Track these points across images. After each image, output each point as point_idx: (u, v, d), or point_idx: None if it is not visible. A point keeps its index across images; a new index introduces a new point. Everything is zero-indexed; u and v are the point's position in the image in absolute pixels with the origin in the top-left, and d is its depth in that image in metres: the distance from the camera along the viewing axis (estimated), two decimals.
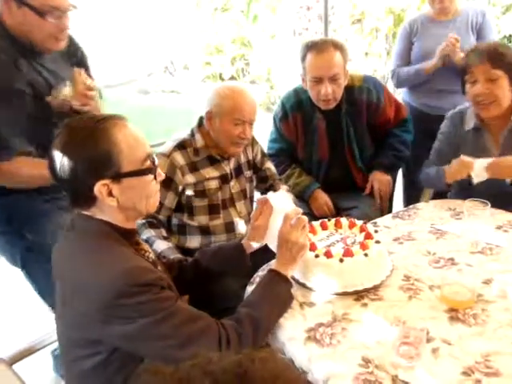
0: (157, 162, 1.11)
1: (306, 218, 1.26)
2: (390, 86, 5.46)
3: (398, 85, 2.61)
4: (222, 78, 7.28)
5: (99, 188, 1.01)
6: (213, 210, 1.77)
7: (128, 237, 1.10)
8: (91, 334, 1.02)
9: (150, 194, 1.10)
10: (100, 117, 1.05)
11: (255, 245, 1.37)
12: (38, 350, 1.80)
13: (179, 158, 1.71)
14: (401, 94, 2.71)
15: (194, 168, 1.74)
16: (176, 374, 0.48)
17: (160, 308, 1.00)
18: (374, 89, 2.08)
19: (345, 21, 5.28)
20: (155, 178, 1.10)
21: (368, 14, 5.13)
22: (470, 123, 1.88)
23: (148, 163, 1.07)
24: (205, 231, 1.77)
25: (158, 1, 7.85)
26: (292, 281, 1.25)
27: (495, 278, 1.29)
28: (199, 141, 1.76)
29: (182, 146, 1.74)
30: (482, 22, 2.37)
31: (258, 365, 0.49)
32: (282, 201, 1.32)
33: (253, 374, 0.48)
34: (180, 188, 1.72)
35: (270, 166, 2.02)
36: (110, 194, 1.03)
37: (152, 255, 1.20)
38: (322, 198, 2.11)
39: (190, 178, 1.72)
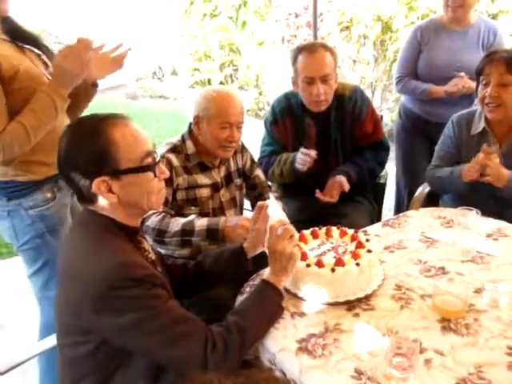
0: (158, 159, 1.12)
1: (293, 228, 1.25)
2: (377, 96, 5.50)
3: (401, 93, 2.65)
4: (210, 84, 7.24)
5: (98, 184, 1.05)
6: None
7: (130, 234, 1.12)
8: (82, 322, 1.05)
9: (150, 191, 1.11)
10: (103, 115, 1.09)
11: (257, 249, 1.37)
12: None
13: (174, 160, 1.71)
14: (401, 98, 2.72)
15: (187, 171, 1.74)
16: None
17: (150, 305, 1.02)
18: (360, 101, 2.10)
19: (333, 28, 5.31)
20: (155, 175, 1.11)
21: (356, 21, 5.16)
22: (478, 126, 1.90)
23: (148, 161, 1.09)
24: None
25: (147, 7, 7.83)
26: (283, 291, 1.24)
27: (486, 287, 1.29)
28: (190, 147, 1.75)
29: (174, 150, 1.74)
30: (493, 42, 2.37)
31: None
32: (274, 209, 1.31)
33: None
34: (173, 187, 1.70)
35: (259, 173, 2.01)
36: (110, 190, 1.06)
37: (152, 255, 1.21)
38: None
39: (183, 181, 1.72)
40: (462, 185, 1.85)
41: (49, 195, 1.59)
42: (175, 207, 1.72)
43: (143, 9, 7.85)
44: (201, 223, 1.59)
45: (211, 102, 1.68)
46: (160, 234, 1.59)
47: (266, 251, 1.30)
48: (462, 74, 2.31)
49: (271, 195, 1.40)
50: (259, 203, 1.38)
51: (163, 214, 1.63)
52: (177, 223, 1.60)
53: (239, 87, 6.91)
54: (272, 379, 0.51)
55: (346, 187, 1.99)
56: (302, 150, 1.97)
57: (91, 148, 1.04)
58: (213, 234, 1.58)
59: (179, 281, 1.31)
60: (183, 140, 1.77)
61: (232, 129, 1.70)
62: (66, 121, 1.55)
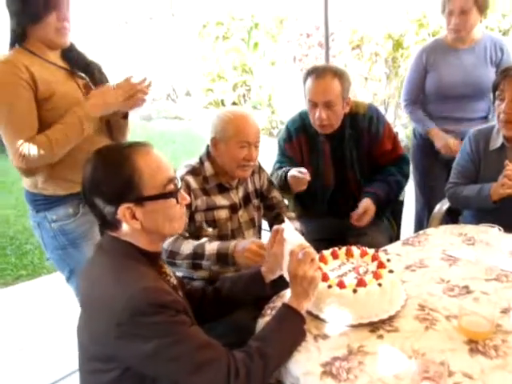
0: (179, 186, 1.14)
1: (314, 251, 1.24)
2: (391, 113, 5.50)
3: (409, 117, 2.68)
4: (223, 104, 7.35)
5: (123, 211, 1.06)
6: (222, 240, 1.74)
7: (151, 259, 1.14)
8: (107, 349, 1.05)
9: (172, 217, 1.13)
10: (126, 144, 1.13)
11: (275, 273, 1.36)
12: None
13: (192, 182, 1.72)
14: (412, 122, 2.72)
15: (205, 193, 1.75)
16: None
17: (173, 331, 1.02)
18: (376, 119, 2.09)
19: (344, 46, 5.36)
20: (177, 201, 1.13)
21: (367, 40, 5.21)
22: (497, 142, 1.89)
23: (170, 187, 1.11)
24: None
25: (161, 29, 8.02)
26: (306, 314, 1.23)
27: None
28: (208, 169, 1.77)
29: (193, 172, 1.76)
30: (501, 57, 2.37)
31: None
32: (289, 232, 1.31)
33: None
34: (191, 209, 1.70)
35: (276, 194, 2.01)
36: (134, 216, 1.07)
37: (174, 280, 1.22)
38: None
39: (201, 203, 1.73)
40: (491, 203, 1.82)
41: (71, 211, 1.66)
42: (193, 228, 1.72)
43: (157, 32, 8.04)
44: (211, 247, 1.59)
45: (228, 123, 1.71)
46: (172, 256, 1.59)
47: (285, 275, 1.30)
48: (454, 142, 2.34)
49: (286, 218, 1.39)
50: (275, 227, 1.37)
51: (175, 236, 1.62)
52: (189, 246, 1.60)
53: (252, 107, 6.98)
54: None
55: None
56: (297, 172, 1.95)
57: (117, 175, 1.07)
58: (223, 258, 1.56)
59: (197, 306, 1.31)
60: (201, 162, 1.79)
61: (250, 148, 1.72)
62: (103, 143, 1.62)
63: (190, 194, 1.69)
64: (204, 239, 1.64)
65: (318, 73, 1.97)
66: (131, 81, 1.65)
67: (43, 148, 1.53)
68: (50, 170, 1.61)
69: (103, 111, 1.63)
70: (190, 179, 1.73)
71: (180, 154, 5.69)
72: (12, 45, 1.60)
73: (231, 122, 1.72)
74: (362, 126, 2.08)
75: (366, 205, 2.02)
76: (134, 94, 1.64)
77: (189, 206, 1.68)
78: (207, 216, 1.74)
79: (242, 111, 1.79)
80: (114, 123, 1.72)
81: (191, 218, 1.72)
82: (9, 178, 5.30)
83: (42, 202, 1.65)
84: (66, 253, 1.69)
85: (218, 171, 1.78)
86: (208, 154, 1.80)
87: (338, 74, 1.96)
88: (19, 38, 1.58)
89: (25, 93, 1.52)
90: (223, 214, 1.77)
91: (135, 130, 7.19)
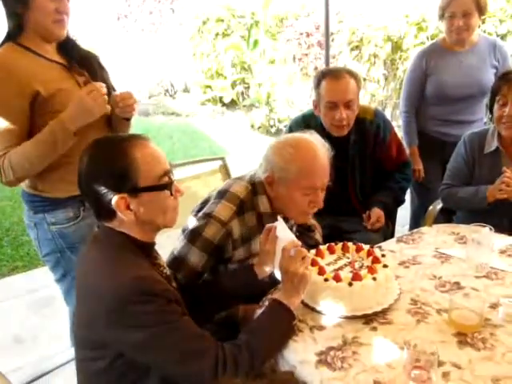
0: (174, 178, 1.16)
1: (305, 250, 1.28)
2: (388, 114, 5.55)
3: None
4: (222, 101, 7.38)
5: (117, 201, 1.08)
6: None
7: (145, 249, 1.16)
8: (98, 336, 1.07)
9: (166, 208, 1.15)
10: (124, 136, 1.14)
11: (267, 270, 1.39)
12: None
13: (236, 229, 1.46)
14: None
15: (246, 239, 1.51)
16: None
17: (164, 320, 1.04)
18: (383, 125, 2.12)
19: (344, 47, 5.41)
20: (171, 193, 1.14)
21: (366, 41, 5.26)
22: (492, 145, 1.94)
23: (165, 179, 1.13)
24: None
25: (161, 25, 8.02)
26: (300, 308, 1.26)
27: (502, 302, 1.31)
28: (265, 205, 1.51)
29: (241, 209, 1.48)
30: (499, 57, 2.41)
31: None
32: (282, 230, 1.34)
33: None
34: (224, 257, 1.51)
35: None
36: (128, 207, 1.09)
37: (167, 271, 1.24)
38: None
39: (238, 254, 1.51)
40: (486, 204, 1.87)
41: (71, 214, 1.61)
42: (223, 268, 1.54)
43: (157, 27, 8.03)
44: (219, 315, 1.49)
45: (290, 163, 1.42)
46: None
47: (276, 272, 1.33)
48: (420, 172, 2.54)
49: (278, 217, 1.40)
50: (267, 225, 1.38)
51: None
52: None
53: (250, 104, 7.01)
54: (293, 381, 0.54)
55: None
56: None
57: (113, 166, 1.08)
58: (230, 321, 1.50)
59: (191, 301, 1.29)
60: (254, 192, 1.50)
61: (316, 193, 1.46)
62: None
63: (227, 241, 1.47)
64: None
65: (334, 74, 1.96)
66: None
67: (4, 171, 1.48)
68: (50, 172, 1.55)
69: (84, 122, 1.49)
70: (235, 225, 1.46)
71: (177, 149, 5.71)
72: (6, 40, 1.51)
73: (294, 160, 1.42)
74: (368, 132, 2.09)
75: (378, 213, 2.08)
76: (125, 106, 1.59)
77: (221, 254, 1.49)
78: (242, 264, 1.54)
79: (307, 142, 1.45)
80: (117, 125, 1.68)
81: (222, 261, 1.53)
82: None
83: (40, 204, 1.60)
84: (63, 256, 1.65)
85: (275, 209, 1.52)
86: (263, 185, 1.51)
87: (354, 75, 1.98)
88: (16, 29, 1.50)
89: (14, 101, 1.45)
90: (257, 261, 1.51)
91: (132, 125, 7.17)
